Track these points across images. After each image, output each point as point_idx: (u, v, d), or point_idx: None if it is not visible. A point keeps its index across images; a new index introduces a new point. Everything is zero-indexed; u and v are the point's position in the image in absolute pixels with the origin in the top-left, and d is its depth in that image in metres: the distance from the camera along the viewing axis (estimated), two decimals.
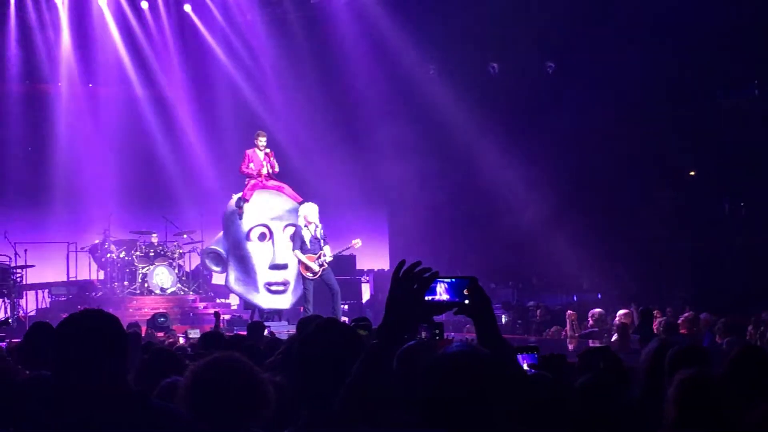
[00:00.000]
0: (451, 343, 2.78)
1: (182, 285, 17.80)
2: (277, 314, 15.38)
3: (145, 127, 20.35)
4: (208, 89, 20.81)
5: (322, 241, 13.90)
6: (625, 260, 17.79)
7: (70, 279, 18.45)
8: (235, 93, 20.38)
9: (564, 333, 13.65)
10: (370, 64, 18.87)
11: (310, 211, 13.98)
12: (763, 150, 16.88)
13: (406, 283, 2.75)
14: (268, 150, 15.43)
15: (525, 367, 3.59)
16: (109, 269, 17.62)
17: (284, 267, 15.19)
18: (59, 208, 19.28)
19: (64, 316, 3.27)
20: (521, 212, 17.84)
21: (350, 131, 19.57)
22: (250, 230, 15.42)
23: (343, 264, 16.92)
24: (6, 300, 15.99)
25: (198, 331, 12.08)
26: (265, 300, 15.41)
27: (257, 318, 14.81)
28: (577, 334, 12.87)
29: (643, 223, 18.00)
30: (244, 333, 9.87)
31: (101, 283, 18.05)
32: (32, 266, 17.08)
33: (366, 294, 18.78)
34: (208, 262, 16.47)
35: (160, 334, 12.16)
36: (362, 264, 18.75)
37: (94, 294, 17.65)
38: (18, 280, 16.47)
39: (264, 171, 15.38)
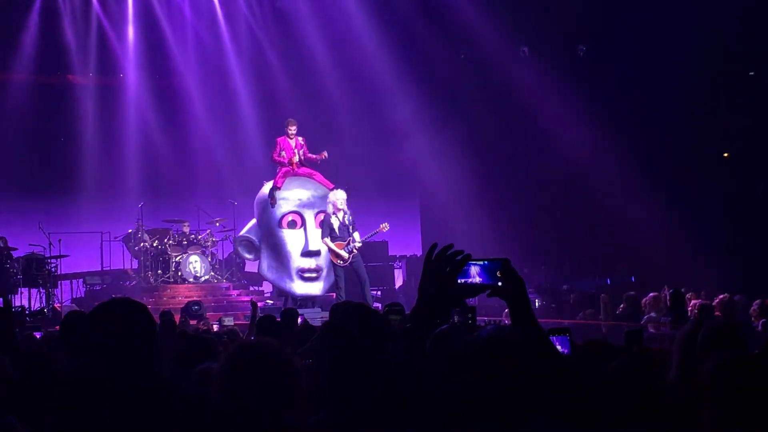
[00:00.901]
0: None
1: (215, 273, 17.87)
2: (310, 301, 15.43)
3: (178, 116, 20.40)
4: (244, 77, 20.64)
5: (351, 227, 13.91)
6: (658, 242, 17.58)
7: (104, 268, 18.62)
8: (268, 81, 20.28)
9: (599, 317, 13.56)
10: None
11: (338, 198, 13.99)
12: None
13: (439, 267, 2.73)
14: (300, 138, 15.46)
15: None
16: (142, 258, 17.71)
17: (317, 254, 15.15)
18: (92, 197, 19.41)
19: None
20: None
21: (374, 113, 19.39)
22: (282, 217, 15.44)
23: (376, 250, 16.95)
24: (41, 290, 16.13)
25: (232, 319, 12.14)
26: (298, 287, 15.41)
27: (290, 305, 14.85)
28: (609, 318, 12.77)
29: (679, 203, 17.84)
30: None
31: (135, 272, 18.19)
32: (67, 256, 17.21)
33: (399, 280, 18.78)
34: (240, 249, 16.49)
35: (194, 322, 12.21)
36: (395, 250, 18.72)
37: (128, 283, 17.82)
38: (53, 270, 16.59)
39: (295, 159, 15.38)
